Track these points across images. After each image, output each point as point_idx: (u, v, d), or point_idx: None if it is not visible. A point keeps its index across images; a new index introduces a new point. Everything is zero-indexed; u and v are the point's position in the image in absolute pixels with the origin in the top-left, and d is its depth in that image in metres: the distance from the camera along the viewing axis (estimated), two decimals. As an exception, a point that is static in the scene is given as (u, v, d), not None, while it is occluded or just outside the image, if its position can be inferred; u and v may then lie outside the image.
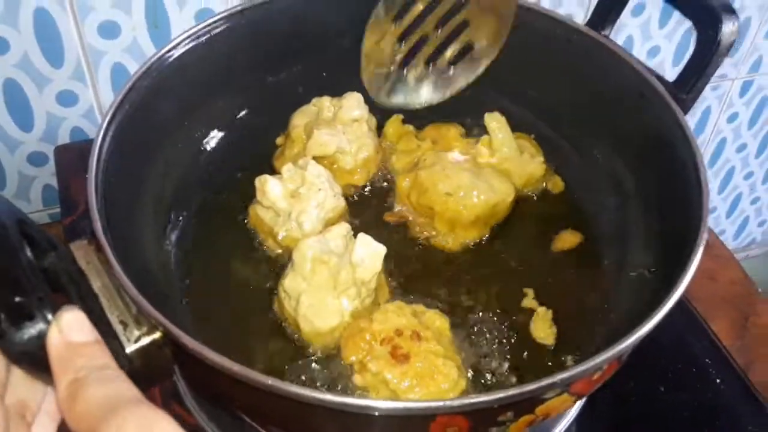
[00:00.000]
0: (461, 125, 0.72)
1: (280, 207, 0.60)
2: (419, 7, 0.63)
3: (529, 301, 0.60)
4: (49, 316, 0.38)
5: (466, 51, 0.64)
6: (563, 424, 0.61)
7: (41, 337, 0.37)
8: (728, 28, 0.53)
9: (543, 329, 0.57)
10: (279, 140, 0.71)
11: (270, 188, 0.60)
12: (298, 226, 0.60)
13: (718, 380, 0.66)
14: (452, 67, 0.64)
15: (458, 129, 0.71)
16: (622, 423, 0.64)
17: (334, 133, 0.65)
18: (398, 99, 0.65)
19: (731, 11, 0.54)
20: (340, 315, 0.54)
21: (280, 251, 0.62)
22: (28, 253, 0.40)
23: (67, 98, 0.87)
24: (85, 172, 0.82)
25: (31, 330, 0.37)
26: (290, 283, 0.54)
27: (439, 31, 0.64)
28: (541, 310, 0.58)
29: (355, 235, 0.56)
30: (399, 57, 0.64)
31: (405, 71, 0.64)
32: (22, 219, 0.42)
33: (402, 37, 0.64)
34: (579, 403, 0.63)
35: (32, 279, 0.38)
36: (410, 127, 0.72)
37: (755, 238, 1.58)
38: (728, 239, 1.53)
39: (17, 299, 0.37)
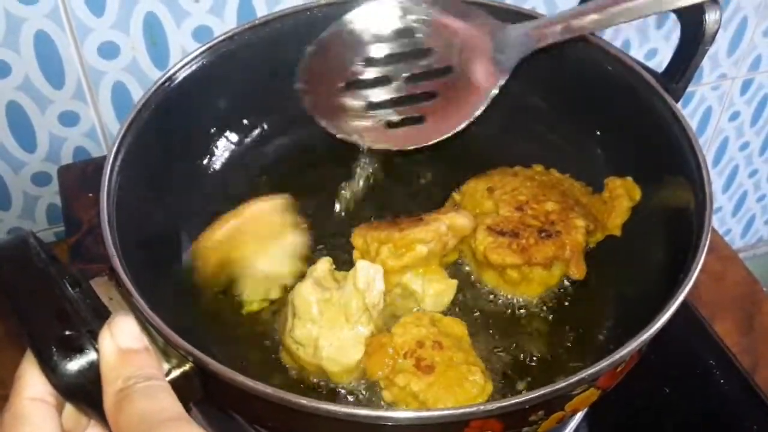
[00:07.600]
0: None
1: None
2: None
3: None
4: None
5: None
6: (571, 425, 0.65)
7: (92, 369, 0.39)
8: (711, 17, 0.56)
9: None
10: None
11: None
12: None
13: (722, 381, 0.71)
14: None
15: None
16: (628, 422, 0.68)
17: None
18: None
19: (714, 0, 0.56)
20: (362, 344, 0.56)
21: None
22: (69, 288, 0.42)
23: (68, 118, 0.92)
24: (87, 191, 0.88)
25: (82, 361, 0.39)
26: (301, 332, 0.55)
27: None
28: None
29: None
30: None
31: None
32: (53, 255, 0.44)
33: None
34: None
35: (80, 312, 0.40)
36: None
37: (762, 235, 1.63)
38: (735, 238, 1.58)
39: (67, 332, 0.39)
